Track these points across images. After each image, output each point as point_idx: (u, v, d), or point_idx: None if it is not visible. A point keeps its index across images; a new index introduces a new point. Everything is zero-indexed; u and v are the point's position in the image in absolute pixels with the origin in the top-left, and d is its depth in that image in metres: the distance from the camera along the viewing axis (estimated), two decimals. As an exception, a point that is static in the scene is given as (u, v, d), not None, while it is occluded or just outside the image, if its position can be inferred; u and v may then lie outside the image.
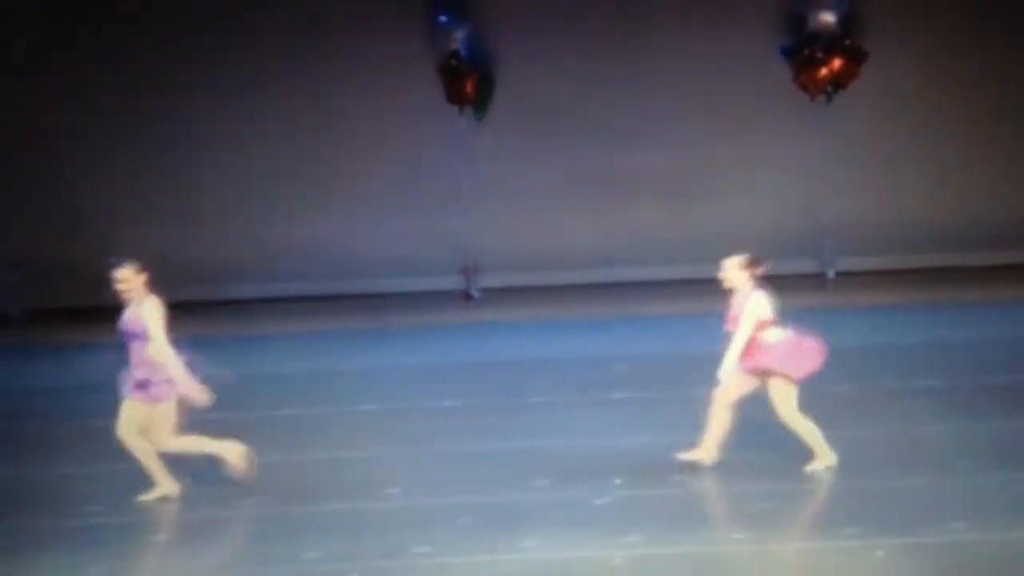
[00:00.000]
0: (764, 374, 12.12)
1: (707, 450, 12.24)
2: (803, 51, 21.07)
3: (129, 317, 11.99)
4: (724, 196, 20.83)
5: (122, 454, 12.89)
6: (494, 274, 20.54)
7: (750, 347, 12.14)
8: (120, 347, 12.09)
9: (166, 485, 12.18)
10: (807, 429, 12.16)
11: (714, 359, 15.81)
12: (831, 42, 20.99)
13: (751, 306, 12.22)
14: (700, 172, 20.91)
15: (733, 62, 20.94)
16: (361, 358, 17.15)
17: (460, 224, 20.63)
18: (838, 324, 18.22)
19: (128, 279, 11.99)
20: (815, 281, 21.09)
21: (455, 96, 20.32)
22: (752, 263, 12.39)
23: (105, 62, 20.68)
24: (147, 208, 20.28)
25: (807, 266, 21.23)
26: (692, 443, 12.90)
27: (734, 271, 12.36)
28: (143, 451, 12.11)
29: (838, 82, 21.06)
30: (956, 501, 11.15)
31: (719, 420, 12.22)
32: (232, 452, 12.33)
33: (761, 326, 12.18)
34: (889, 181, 21.51)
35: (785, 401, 12.07)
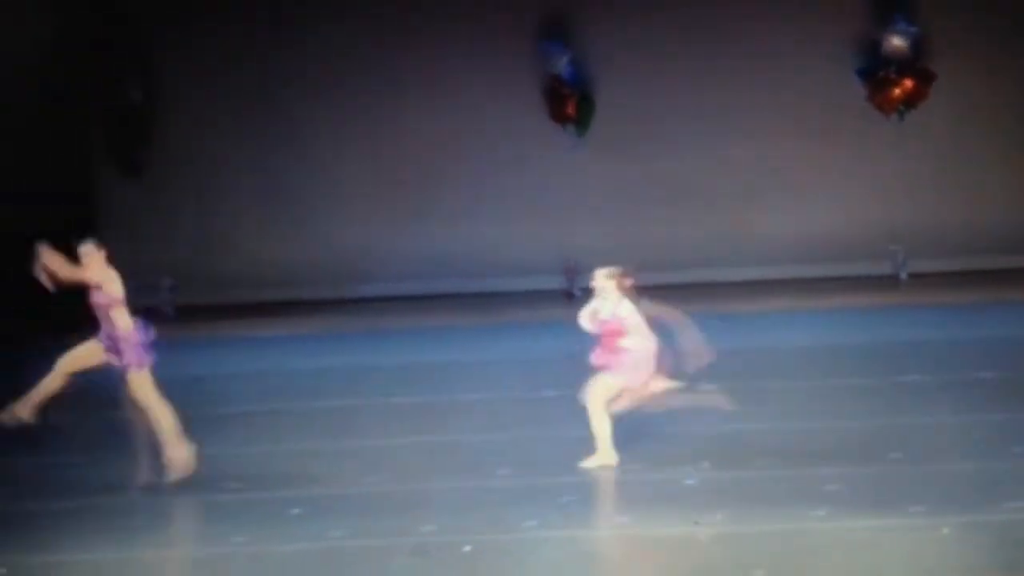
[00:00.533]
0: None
1: (605, 454, 12.18)
2: (877, 73, 20.97)
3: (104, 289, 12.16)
4: (804, 204, 20.75)
5: (258, 437, 13.09)
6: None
7: (609, 350, 12.14)
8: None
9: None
10: (603, 425, 12.12)
11: (794, 354, 15.88)
12: (903, 65, 20.87)
13: (624, 310, 12.22)
14: (781, 181, 20.83)
15: (814, 83, 20.86)
16: (471, 351, 17.18)
17: (563, 229, 20.65)
18: (909, 321, 18.17)
19: (91, 254, 12.20)
20: (888, 282, 20.96)
21: (557, 115, 20.36)
22: (622, 275, 12.40)
23: (237, 91, 20.84)
24: (276, 218, 20.42)
25: (882, 269, 21.11)
26: (772, 430, 12.97)
27: (603, 280, 12.33)
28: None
29: (909, 101, 20.95)
30: (1013, 483, 11.09)
31: (601, 422, 12.18)
32: (179, 451, 12.29)
33: (620, 332, 12.10)
34: (956, 190, 21.36)
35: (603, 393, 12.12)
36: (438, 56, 20.85)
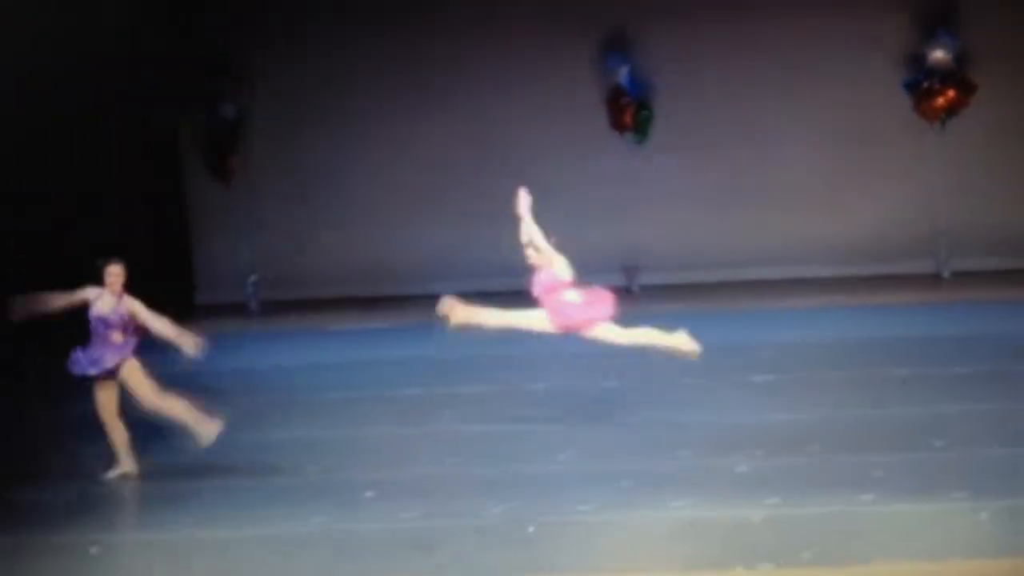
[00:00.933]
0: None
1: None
2: (922, 85, 20.78)
3: (111, 308, 12.20)
4: (853, 206, 20.59)
5: (335, 423, 13.09)
6: (652, 273, 20.47)
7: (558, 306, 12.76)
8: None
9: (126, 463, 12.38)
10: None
11: (842, 347, 15.77)
12: (946, 76, 20.68)
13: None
14: (832, 185, 20.68)
15: (863, 94, 20.69)
16: (535, 345, 17.07)
17: (622, 229, 20.58)
18: (951, 317, 17.98)
19: (121, 274, 12.26)
20: (932, 280, 20.76)
21: (617, 124, 20.27)
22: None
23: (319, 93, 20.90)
24: (354, 220, 20.48)
25: (926, 267, 20.92)
26: (822, 419, 12.87)
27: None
28: (119, 431, 12.34)
29: (951, 109, 20.77)
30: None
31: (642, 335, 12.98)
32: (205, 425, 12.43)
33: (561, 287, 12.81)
34: (997, 191, 21.13)
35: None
36: (507, 65, 20.83)
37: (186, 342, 12.38)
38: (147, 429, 12.81)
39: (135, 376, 12.30)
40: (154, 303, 12.80)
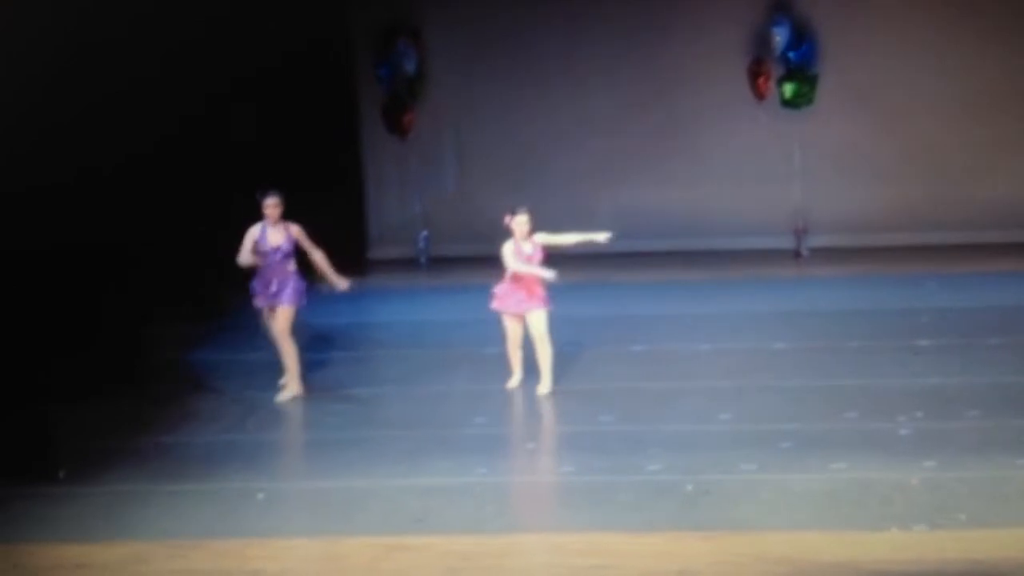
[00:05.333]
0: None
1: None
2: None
3: (282, 237, 12.93)
4: (1004, 172, 20.27)
5: (499, 375, 13.42)
6: (822, 235, 20.41)
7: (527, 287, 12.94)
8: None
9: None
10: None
11: (1006, 313, 15.68)
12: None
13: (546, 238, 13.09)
14: (995, 149, 20.32)
15: (1009, 76, 20.30)
16: (703, 305, 17.22)
17: (794, 192, 20.55)
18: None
19: (278, 204, 12.97)
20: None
21: (756, 93, 20.19)
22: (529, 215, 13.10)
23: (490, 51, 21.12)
24: (525, 179, 20.65)
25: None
26: (983, 383, 12.90)
27: (523, 222, 13.02)
28: (291, 354, 13.09)
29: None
30: None
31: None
32: (294, 381, 13.02)
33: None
34: None
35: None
36: (677, 25, 20.84)
37: (338, 280, 12.99)
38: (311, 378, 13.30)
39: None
40: (329, 257, 13.28)
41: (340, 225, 16.74)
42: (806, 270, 19.55)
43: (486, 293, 13.22)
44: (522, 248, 13.01)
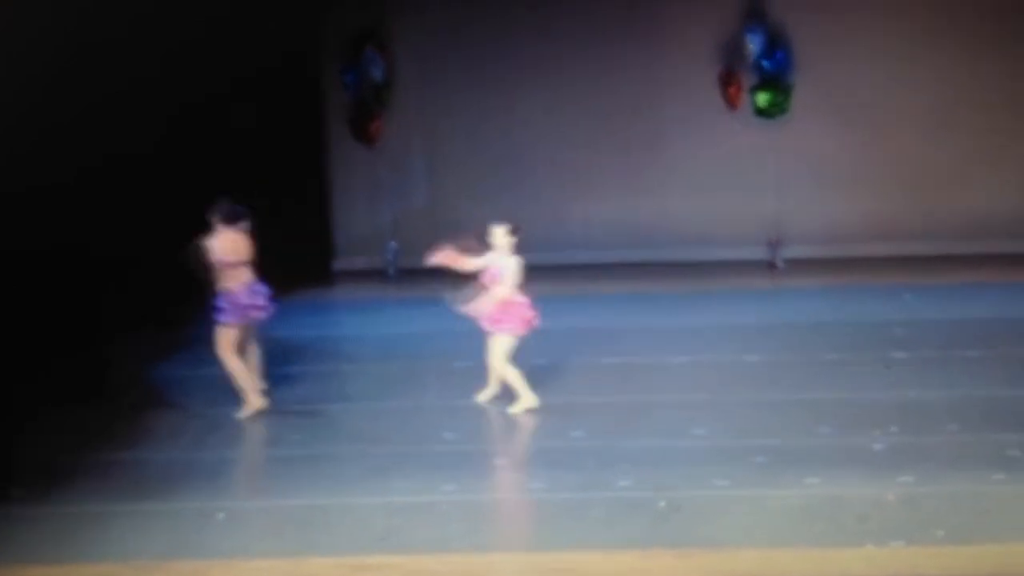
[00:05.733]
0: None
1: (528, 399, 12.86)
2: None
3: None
4: (991, 182, 20.32)
5: (469, 389, 13.37)
6: (797, 246, 20.43)
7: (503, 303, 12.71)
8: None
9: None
10: (514, 376, 12.78)
11: (984, 325, 15.71)
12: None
13: (513, 268, 12.79)
14: (970, 159, 20.36)
15: (1013, 63, 20.38)
16: (676, 317, 17.20)
17: (768, 202, 20.56)
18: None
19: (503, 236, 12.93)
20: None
21: (728, 101, 20.21)
22: (514, 231, 12.90)
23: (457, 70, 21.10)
24: (494, 189, 20.63)
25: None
26: (959, 397, 12.90)
27: (502, 236, 12.78)
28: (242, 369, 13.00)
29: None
30: None
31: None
32: (253, 398, 12.90)
33: (495, 280, 12.74)
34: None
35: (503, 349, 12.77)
36: (648, 38, 20.85)
37: None
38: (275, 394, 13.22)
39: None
40: (294, 268, 13.21)
41: (306, 235, 16.69)
42: (781, 281, 19.56)
43: (451, 305, 13.13)
44: (491, 262, 12.93)
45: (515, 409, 12.85)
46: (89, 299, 14.43)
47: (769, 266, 20.34)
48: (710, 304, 17.91)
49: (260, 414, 13.03)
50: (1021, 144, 20.29)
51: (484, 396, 13.16)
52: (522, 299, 12.94)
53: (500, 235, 12.95)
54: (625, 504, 10.51)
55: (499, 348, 12.90)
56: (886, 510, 10.18)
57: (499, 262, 12.90)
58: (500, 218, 13.23)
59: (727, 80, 20.18)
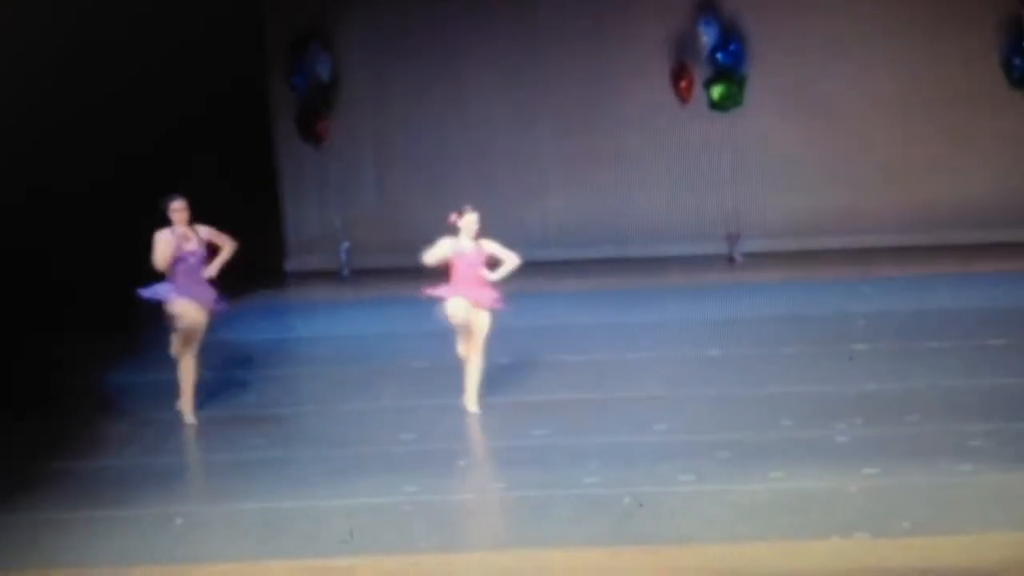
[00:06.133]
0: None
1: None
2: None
3: (195, 241, 12.81)
4: (955, 172, 20.47)
5: (427, 392, 13.40)
6: (755, 240, 20.55)
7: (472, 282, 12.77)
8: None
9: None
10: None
11: (945, 316, 15.86)
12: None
13: (493, 247, 12.92)
14: (933, 150, 20.56)
15: (970, 55, 20.50)
16: (636, 313, 17.28)
17: (725, 196, 20.67)
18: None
19: (184, 208, 12.83)
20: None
21: (679, 94, 20.31)
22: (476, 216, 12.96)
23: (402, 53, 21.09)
24: (447, 187, 20.65)
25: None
26: (922, 388, 13.01)
27: (473, 222, 12.87)
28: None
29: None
30: None
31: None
32: (187, 403, 12.91)
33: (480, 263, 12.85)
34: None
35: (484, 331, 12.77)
36: (601, 33, 20.91)
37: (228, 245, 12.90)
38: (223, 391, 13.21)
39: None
40: (244, 269, 13.20)
41: (256, 236, 16.61)
42: (740, 276, 19.66)
43: (411, 306, 13.14)
44: (462, 247, 12.90)
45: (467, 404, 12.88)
46: (34, 300, 14.36)
47: (728, 260, 20.45)
48: (670, 299, 18.00)
49: (213, 419, 12.97)
50: (979, 135, 20.45)
51: (470, 393, 13.07)
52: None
53: (472, 221, 12.92)
54: (590, 501, 10.54)
55: (485, 327, 12.92)
56: (851, 502, 10.25)
57: (471, 245, 12.90)
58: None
59: (678, 74, 20.28)
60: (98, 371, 14.78)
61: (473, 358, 12.92)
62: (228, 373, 13.75)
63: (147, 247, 12.88)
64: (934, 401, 12.64)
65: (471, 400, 12.95)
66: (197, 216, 13.03)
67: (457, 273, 12.84)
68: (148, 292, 12.81)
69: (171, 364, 13.44)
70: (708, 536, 9.81)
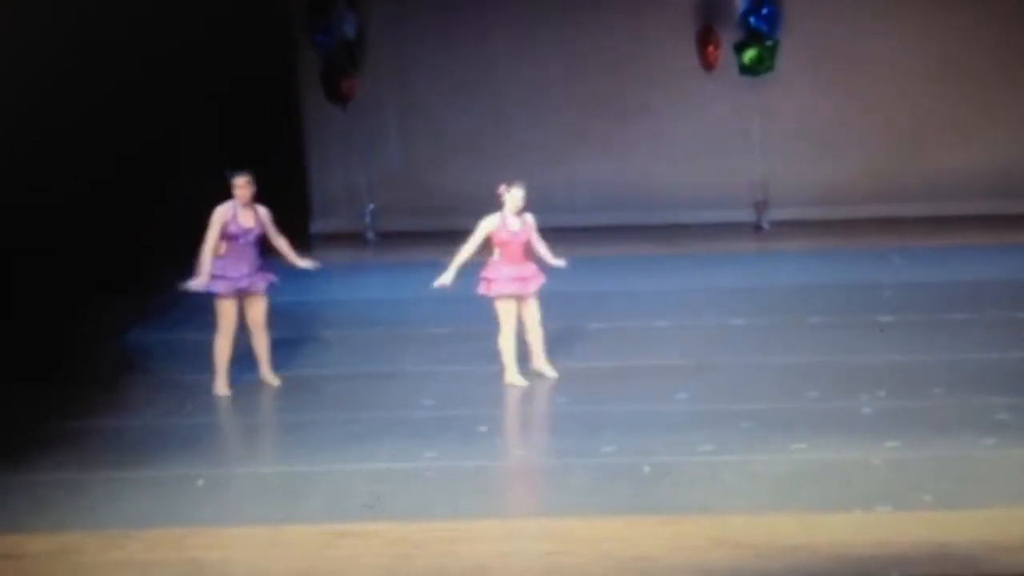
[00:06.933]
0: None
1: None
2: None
3: (252, 219, 12.77)
4: (982, 142, 20.44)
5: (451, 357, 13.50)
6: (783, 208, 20.56)
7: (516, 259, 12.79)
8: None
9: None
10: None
11: (970, 287, 15.89)
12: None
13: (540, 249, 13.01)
14: (960, 119, 20.52)
15: (975, 44, 20.45)
16: (662, 281, 17.33)
17: (754, 164, 20.68)
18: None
19: (248, 184, 12.79)
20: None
21: (705, 61, 20.30)
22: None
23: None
24: (473, 150, 20.70)
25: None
26: (947, 360, 13.06)
27: (520, 199, 12.82)
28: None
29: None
30: None
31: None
32: (222, 379, 12.90)
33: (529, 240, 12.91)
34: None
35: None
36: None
37: (304, 263, 12.99)
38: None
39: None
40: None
41: (281, 197, 16.66)
42: (767, 244, 19.70)
43: (435, 270, 13.18)
44: (509, 224, 12.93)
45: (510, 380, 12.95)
46: (58, 264, 14.48)
47: (755, 228, 20.49)
48: (695, 267, 18.04)
49: (232, 383, 13.06)
50: (1012, 102, 20.43)
51: (539, 364, 13.10)
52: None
53: (519, 197, 12.91)
54: (610, 470, 10.62)
55: (537, 312, 12.95)
56: (873, 474, 10.32)
57: (516, 221, 12.94)
58: (483, 178, 13.28)
59: (705, 39, 20.26)
60: (123, 330, 14.90)
61: (531, 327, 12.95)
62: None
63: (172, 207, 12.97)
64: (960, 374, 12.71)
65: (543, 365, 13.00)
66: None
67: (505, 251, 12.82)
68: (194, 285, 12.81)
69: (194, 324, 13.59)
70: (727, 506, 9.89)
